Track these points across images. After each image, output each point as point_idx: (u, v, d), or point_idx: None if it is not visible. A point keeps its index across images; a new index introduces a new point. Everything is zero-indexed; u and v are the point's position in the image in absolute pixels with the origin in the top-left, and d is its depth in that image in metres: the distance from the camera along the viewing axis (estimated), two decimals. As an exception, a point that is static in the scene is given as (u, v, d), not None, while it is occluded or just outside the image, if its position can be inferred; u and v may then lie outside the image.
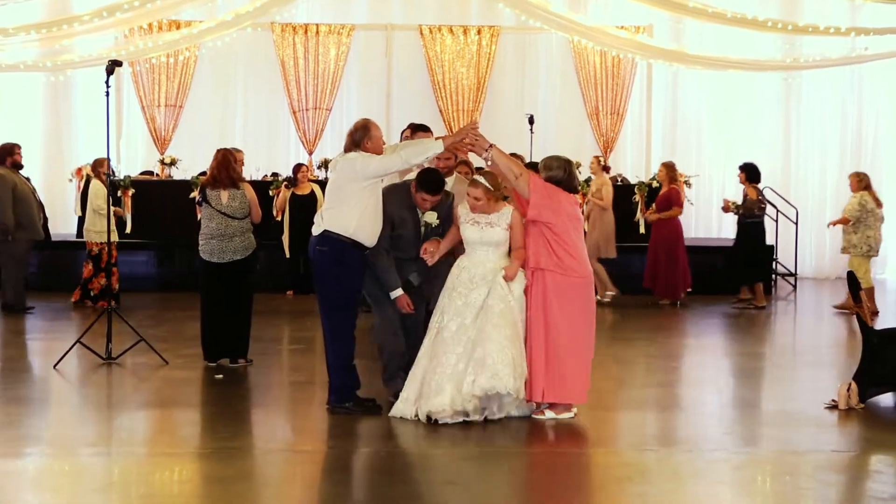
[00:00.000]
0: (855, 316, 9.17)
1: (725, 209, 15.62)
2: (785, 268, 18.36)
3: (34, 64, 17.34)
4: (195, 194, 15.31)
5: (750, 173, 15.39)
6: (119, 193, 16.48)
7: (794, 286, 17.77)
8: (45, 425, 8.46)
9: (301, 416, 8.59)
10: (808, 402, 9.17)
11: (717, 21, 16.98)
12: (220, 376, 9.94)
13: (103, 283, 14.44)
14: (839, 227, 14.98)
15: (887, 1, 15.05)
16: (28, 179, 14.72)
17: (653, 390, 9.62)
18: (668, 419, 8.42)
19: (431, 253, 8.22)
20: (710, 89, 20.19)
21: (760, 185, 18.79)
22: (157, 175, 18.14)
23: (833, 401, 8.78)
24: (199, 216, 10.73)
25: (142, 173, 18.26)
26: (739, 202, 15.32)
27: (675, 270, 15.20)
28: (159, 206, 15.89)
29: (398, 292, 8.27)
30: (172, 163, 18.05)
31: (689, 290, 15.42)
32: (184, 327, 12.75)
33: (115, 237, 14.34)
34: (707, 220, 19.97)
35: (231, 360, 10.37)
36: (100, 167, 14.70)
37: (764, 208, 15.41)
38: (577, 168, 16.24)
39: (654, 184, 17.23)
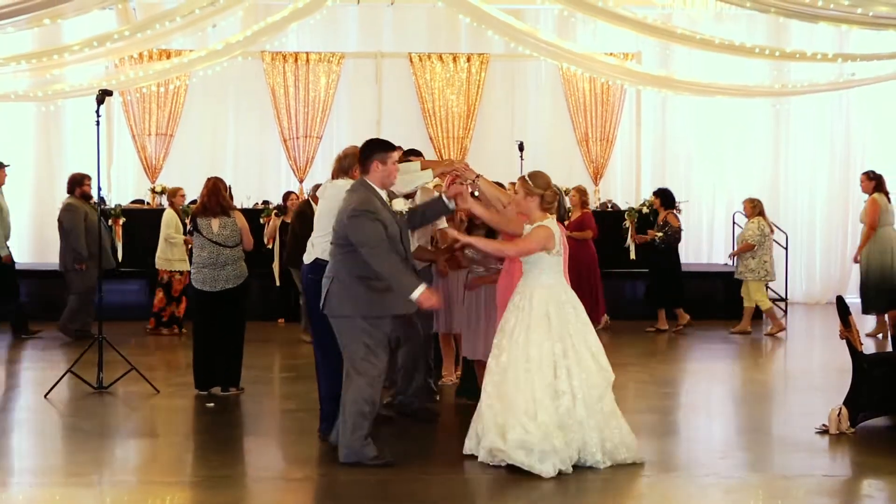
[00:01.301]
0: (845, 340, 9.19)
1: (641, 241, 15.76)
2: (775, 293, 18.38)
3: (25, 94, 17.34)
4: (186, 223, 15.34)
5: (665, 199, 15.73)
6: (110, 222, 16.48)
7: (785, 311, 17.79)
8: (36, 454, 8.44)
9: (292, 445, 8.57)
10: (799, 426, 9.18)
11: (705, 48, 17.05)
12: (212, 405, 9.94)
13: (173, 311, 14.76)
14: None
15: (873, 28, 15.12)
16: (96, 209, 14.84)
17: (644, 416, 9.62)
18: (659, 444, 8.43)
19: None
20: (699, 115, 20.26)
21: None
22: (148, 204, 18.14)
23: (824, 425, 8.80)
24: (190, 245, 10.73)
25: (132, 202, 18.27)
26: (659, 230, 15.47)
27: (594, 294, 15.28)
28: (150, 236, 15.84)
29: (421, 289, 7.43)
30: (163, 191, 18.05)
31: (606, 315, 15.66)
32: (175, 356, 12.75)
33: (186, 266, 14.48)
34: (697, 246, 20.04)
35: (223, 389, 10.37)
36: (172, 196, 15.02)
37: (679, 237, 15.64)
38: (567, 194, 16.53)
39: (644, 210, 17.29)
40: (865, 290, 14.97)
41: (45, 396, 10.23)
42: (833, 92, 18.94)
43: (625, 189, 19.83)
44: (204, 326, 10.39)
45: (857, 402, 8.91)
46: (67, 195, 14.47)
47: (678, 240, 15.58)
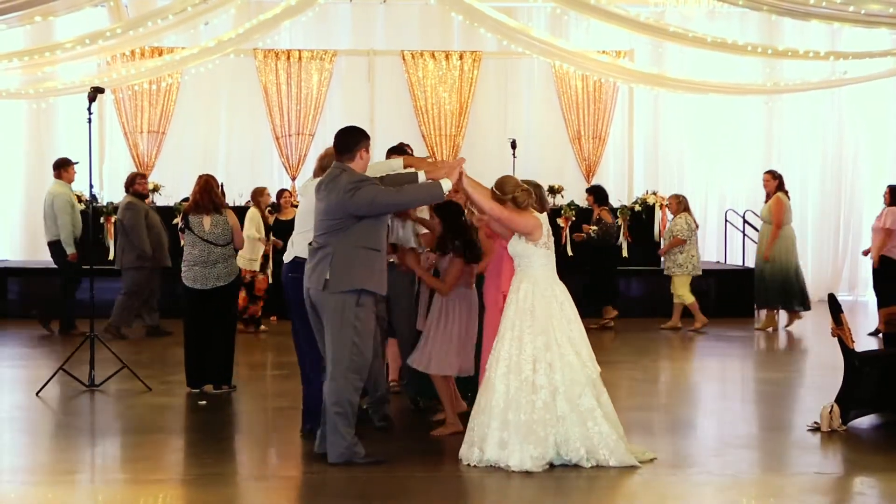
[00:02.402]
0: (836, 338, 9.20)
1: (579, 238, 15.75)
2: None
3: (16, 91, 17.31)
4: (178, 221, 15.32)
5: (598, 196, 15.79)
6: (102, 220, 16.45)
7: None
8: (28, 453, 8.43)
9: (284, 442, 8.57)
10: (790, 424, 9.20)
11: (697, 45, 17.04)
12: (204, 402, 9.93)
13: (254, 310, 14.94)
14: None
15: (865, 25, 15.15)
16: (153, 207, 14.97)
17: (637, 413, 9.63)
18: (652, 442, 8.42)
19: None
20: (691, 113, 20.28)
21: (743, 209, 18.94)
22: (141, 201, 18.10)
23: (816, 423, 8.81)
24: (182, 243, 10.73)
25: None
26: (594, 227, 15.52)
27: None
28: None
29: (447, 184, 7.51)
30: (155, 189, 18.02)
31: None
32: (167, 354, 12.73)
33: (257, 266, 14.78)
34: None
35: (214, 387, 10.36)
36: (259, 196, 15.14)
37: (617, 232, 15.72)
38: (560, 192, 16.56)
39: (637, 207, 17.32)
40: (765, 287, 15.39)
41: (37, 394, 10.22)
42: (825, 90, 18.97)
43: (617, 187, 19.81)
44: (195, 324, 10.38)
45: (848, 400, 8.92)
46: (125, 194, 14.42)
47: (613, 235, 15.63)
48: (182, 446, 8.61)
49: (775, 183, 15.34)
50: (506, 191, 7.77)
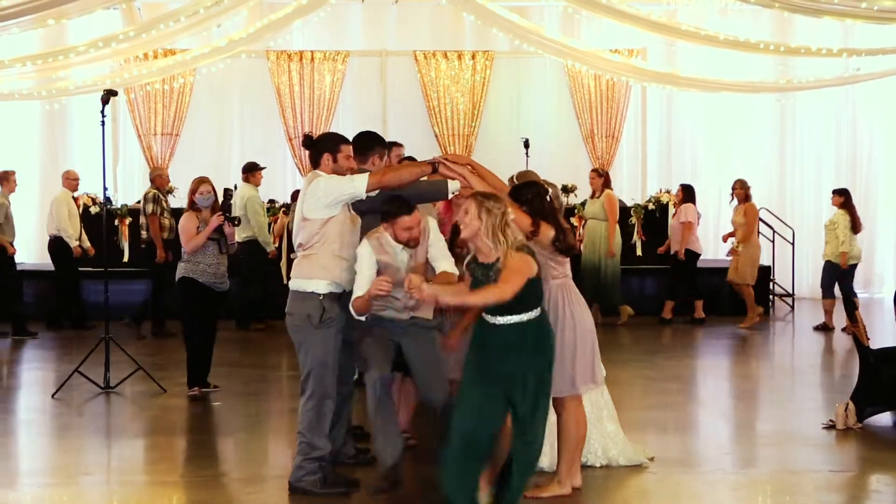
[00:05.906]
0: (852, 336, 9.19)
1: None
2: (782, 288, 18.36)
3: (29, 93, 17.35)
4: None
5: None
6: (116, 222, 16.48)
7: (792, 307, 17.79)
8: (44, 455, 8.47)
9: (300, 443, 8.58)
10: (805, 422, 9.18)
11: (709, 44, 17.01)
12: (219, 404, 9.95)
13: None
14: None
15: (878, 22, 15.10)
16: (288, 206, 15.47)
17: (651, 412, 9.62)
18: (666, 440, 8.42)
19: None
20: (704, 111, 20.22)
21: (757, 207, 18.87)
22: (154, 203, 18.13)
23: (831, 421, 8.80)
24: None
25: (138, 202, 18.23)
26: None
27: None
28: (156, 234, 15.83)
29: (454, 185, 7.10)
30: (169, 191, 18.06)
31: None
32: (181, 355, 12.74)
33: None
34: (704, 242, 19.93)
35: (200, 388, 10.29)
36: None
37: None
38: (573, 191, 16.54)
39: (650, 206, 17.30)
40: (606, 283, 15.38)
41: (53, 396, 10.26)
42: (838, 87, 18.90)
43: (630, 186, 19.79)
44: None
45: (864, 397, 8.90)
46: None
47: None
48: (197, 448, 8.63)
49: (601, 180, 15.52)
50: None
